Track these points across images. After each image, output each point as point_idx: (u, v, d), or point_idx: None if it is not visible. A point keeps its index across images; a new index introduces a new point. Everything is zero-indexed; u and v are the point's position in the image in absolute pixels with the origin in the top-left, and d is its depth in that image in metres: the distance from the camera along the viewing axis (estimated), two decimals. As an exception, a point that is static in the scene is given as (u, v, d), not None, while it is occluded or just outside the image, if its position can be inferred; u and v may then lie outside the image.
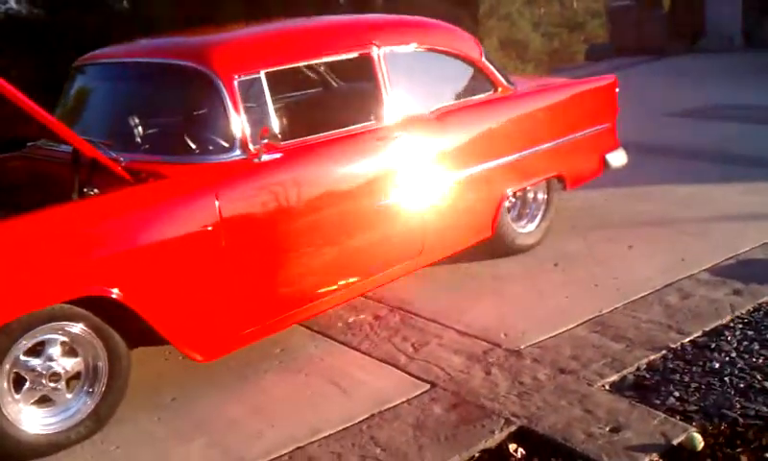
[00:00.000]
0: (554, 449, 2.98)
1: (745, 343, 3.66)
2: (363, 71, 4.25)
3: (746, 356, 3.54)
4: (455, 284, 4.55)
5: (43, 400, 3.21)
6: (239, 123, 3.59)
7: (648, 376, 3.45)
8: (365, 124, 4.09)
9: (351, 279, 4.01)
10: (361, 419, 3.27)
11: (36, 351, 3.17)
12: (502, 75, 4.88)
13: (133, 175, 3.49)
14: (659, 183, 6.06)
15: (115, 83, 4.27)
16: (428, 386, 3.49)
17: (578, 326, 3.91)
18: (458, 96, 4.61)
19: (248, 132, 3.60)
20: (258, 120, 3.65)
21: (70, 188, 3.49)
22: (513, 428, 3.12)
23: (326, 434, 3.18)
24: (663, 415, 3.12)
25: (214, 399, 3.54)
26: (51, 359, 3.18)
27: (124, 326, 3.29)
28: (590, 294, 4.28)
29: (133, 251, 3.24)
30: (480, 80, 4.74)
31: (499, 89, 4.79)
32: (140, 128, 3.76)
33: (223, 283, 3.47)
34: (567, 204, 5.43)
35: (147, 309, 3.25)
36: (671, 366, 3.51)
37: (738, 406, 3.17)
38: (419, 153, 4.19)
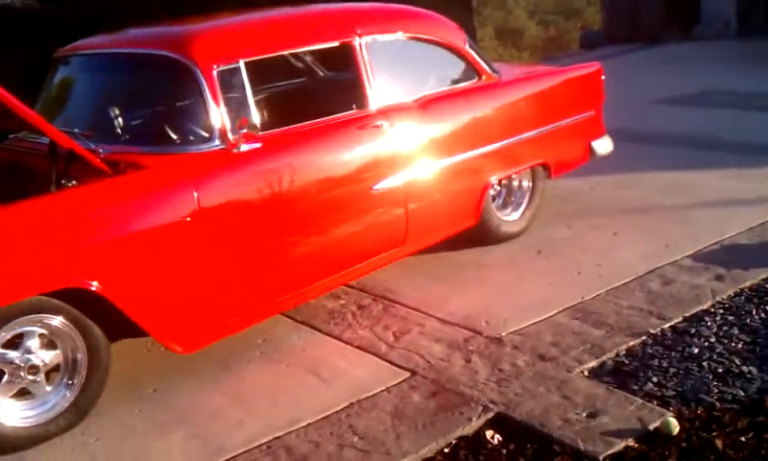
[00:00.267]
0: (530, 435, 2.98)
1: (725, 328, 3.66)
2: (345, 60, 4.25)
3: (725, 341, 3.54)
4: (439, 273, 4.55)
5: (22, 393, 3.22)
6: (218, 113, 3.58)
7: (627, 361, 3.46)
8: (346, 113, 4.09)
9: (334, 269, 4.01)
10: (340, 408, 3.28)
11: (15, 343, 3.17)
12: (486, 63, 4.87)
13: (112, 166, 3.49)
14: (645, 170, 6.05)
15: (96, 73, 4.26)
16: (408, 374, 3.49)
17: (559, 312, 3.92)
18: (441, 84, 4.59)
19: (227, 122, 3.59)
20: (238, 110, 3.64)
21: (49, 180, 3.49)
22: (490, 415, 3.13)
23: (305, 423, 3.19)
24: (641, 400, 3.13)
25: (196, 389, 3.54)
26: (29, 352, 3.18)
27: (104, 317, 3.30)
28: (573, 281, 4.28)
29: (112, 242, 3.24)
30: (464, 68, 4.73)
31: (483, 77, 4.78)
32: (120, 118, 3.77)
33: (202, 274, 3.47)
34: (553, 191, 5.42)
35: (126, 301, 3.25)
36: (650, 351, 3.51)
37: (716, 391, 3.18)
38: (401, 141, 4.19)
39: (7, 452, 3.14)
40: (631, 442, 2.88)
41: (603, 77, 5.43)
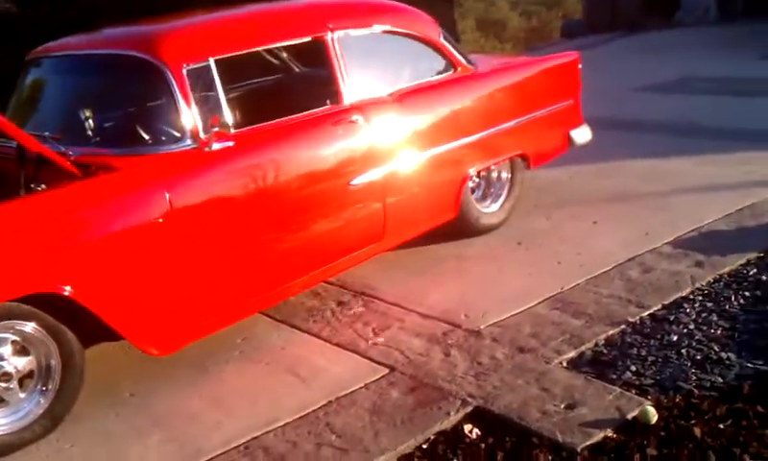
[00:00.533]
0: (509, 429, 2.97)
1: (704, 314, 3.66)
2: (318, 55, 4.21)
3: (704, 328, 3.54)
4: (419, 267, 4.52)
5: (-5, 401, 3.18)
6: (189, 112, 3.54)
7: (606, 351, 3.44)
8: (320, 108, 4.05)
9: (312, 266, 3.98)
10: (318, 406, 3.25)
11: (-14, 351, 3.12)
12: (462, 55, 4.84)
13: (83, 168, 3.44)
14: (624, 158, 6.04)
15: (66, 75, 4.21)
16: (387, 370, 3.47)
17: (539, 303, 3.91)
18: (417, 77, 4.55)
19: (198, 121, 3.55)
20: (209, 109, 3.60)
21: (18, 185, 3.45)
22: (469, 409, 3.11)
23: (283, 423, 3.16)
24: (619, 390, 3.12)
25: (173, 392, 3.51)
26: (2, 359, 3.14)
27: (78, 322, 3.25)
28: (553, 271, 4.26)
29: (84, 246, 3.20)
30: (439, 60, 4.70)
31: (459, 69, 4.75)
32: (90, 120, 3.71)
33: (177, 276, 3.43)
34: (532, 182, 5.41)
35: (100, 305, 3.21)
36: (629, 340, 3.50)
37: (694, 378, 3.17)
38: (377, 135, 4.15)
39: (-19, 461, 3.10)
40: (609, 432, 2.87)
41: (580, 66, 5.41)
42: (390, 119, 4.25)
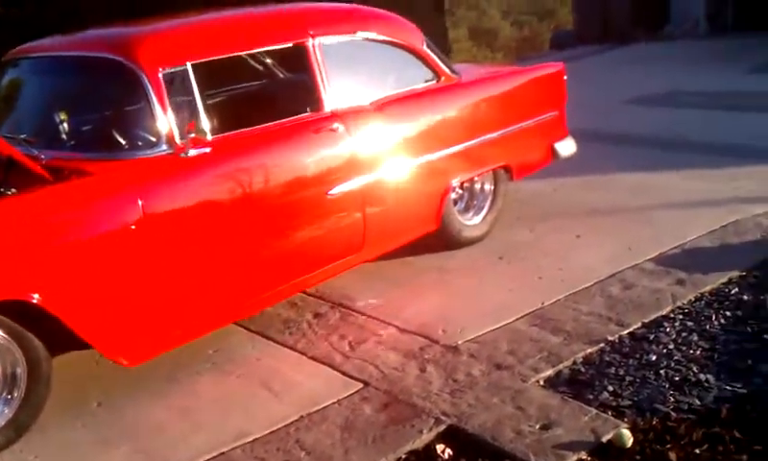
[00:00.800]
0: (482, 449, 2.90)
1: (684, 334, 3.60)
2: (299, 62, 4.15)
3: (683, 348, 3.48)
4: (399, 279, 4.46)
5: (-43, 410, 3.10)
6: (164, 117, 3.47)
7: (584, 370, 3.39)
8: (300, 116, 3.99)
9: (289, 277, 3.91)
10: (289, 421, 3.18)
11: (-51, 358, 3.05)
12: (445, 63, 4.79)
13: (55, 172, 3.37)
14: (610, 172, 6.00)
15: (42, 77, 4.14)
16: (361, 385, 3.40)
17: (518, 319, 3.85)
18: (399, 86, 4.49)
19: (174, 126, 3.49)
20: (185, 114, 3.53)
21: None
22: (442, 428, 3.04)
23: (252, 438, 3.09)
24: (595, 411, 3.06)
25: (142, 403, 3.43)
26: (-36, 367, 3.07)
27: (45, 329, 3.18)
28: (534, 286, 4.21)
29: (54, 252, 3.13)
30: (422, 69, 4.64)
31: (442, 78, 4.70)
32: (65, 123, 3.64)
33: (149, 284, 3.36)
34: (516, 194, 5.35)
35: (68, 314, 3.13)
36: (607, 359, 3.45)
37: (672, 400, 3.11)
38: (357, 144, 4.09)
39: (-60, 473, 3.02)
40: (583, 455, 2.81)
41: (566, 77, 5.37)
42: (371, 128, 4.19)
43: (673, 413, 3.02)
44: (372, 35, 4.40)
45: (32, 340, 3.18)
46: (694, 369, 3.32)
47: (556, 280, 4.25)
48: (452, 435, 3.01)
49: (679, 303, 3.88)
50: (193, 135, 3.50)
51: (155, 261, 3.35)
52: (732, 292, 3.96)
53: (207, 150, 3.55)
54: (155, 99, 3.47)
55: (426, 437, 3.00)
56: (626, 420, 2.99)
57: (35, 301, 3.05)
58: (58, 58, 4.06)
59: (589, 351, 3.52)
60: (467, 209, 4.93)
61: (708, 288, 4.01)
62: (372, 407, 3.23)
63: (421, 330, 3.83)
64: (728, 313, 3.76)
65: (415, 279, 4.46)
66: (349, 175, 4.05)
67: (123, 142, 3.53)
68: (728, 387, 3.17)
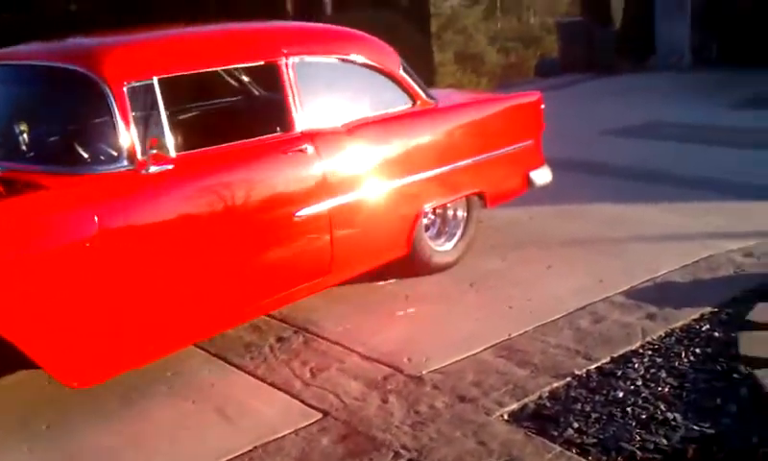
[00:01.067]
0: (440, 486, 2.81)
1: (652, 370, 3.52)
2: (270, 80, 4.08)
3: (651, 385, 3.40)
4: (367, 304, 4.37)
5: None
6: (126, 132, 3.38)
7: (549, 404, 3.29)
8: (269, 135, 3.91)
9: (251, 299, 3.81)
10: (243, 451, 3.06)
11: None
12: (422, 88, 4.72)
13: (8, 185, 3.26)
14: (586, 202, 5.94)
15: (4, 86, 4.02)
16: (320, 415, 3.29)
17: (485, 350, 3.76)
18: (373, 109, 4.42)
19: (136, 141, 3.39)
20: (149, 129, 3.44)
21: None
22: (401, 462, 2.95)
23: (203, 468, 2.98)
24: (559, 448, 2.96)
25: (92, 427, 3.30)
26: None
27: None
28: (503, 316, 4.12)
29: (3, 269, 3.00)
30: (397, 92, 4.57)
31: (418, 103, 4.63)
32: (24, 135, 3.55)
33: (102, 304, 3.24)
34: (490, 221, 5.29)
35: (16, 333, 3.00)
36: (574, 394, 3.36)
37: (638, 439, 3.02)
38: (327, 166, 4.01)
39: None
40: (544, 495, 2.72)
41: (543, 106, 5.32)
42: (342, 150, 4.11)
43: (639, 452, 2.93)
44: (348, 56, 4.33)
45: (-24, 359, 3.05)
46: (662, 407, 3.23)
47: (525, 311, 4.17)
48: (411, 470, 2.91)
49: (648, 338, 3.80)
50: (155, 152, 3.41)
51: (110, 280, 3.24)
52: (704, 328, 3.89)
53: (170, 167, 3.46)
54: (117, 113, 3.38)
55: (383, 472, 2.90)
56: (590, 458, 2.90)
57: (-19, 318, 2.93)
58: (23, 67, 3.96)
59: (556, 385, 3.43)
60: (438, 235, 4.86)
61: (678, 324, 3.94)
62: (329, 439, 3.12)
63: (386, 359, 3.73)
64: (698, 350, 3.68)
65: (382, 304, 4.36)
66: (318, 197, 3.96)
67: (83, 156, 3.44)
68: (695, 427, 3.08)
